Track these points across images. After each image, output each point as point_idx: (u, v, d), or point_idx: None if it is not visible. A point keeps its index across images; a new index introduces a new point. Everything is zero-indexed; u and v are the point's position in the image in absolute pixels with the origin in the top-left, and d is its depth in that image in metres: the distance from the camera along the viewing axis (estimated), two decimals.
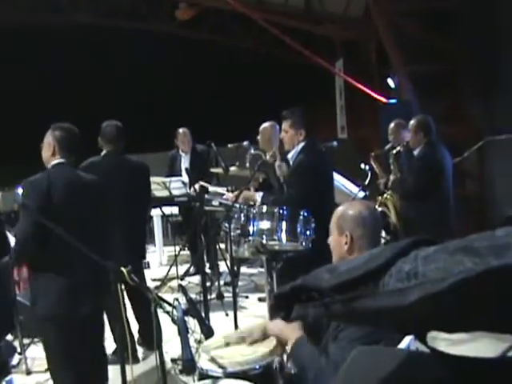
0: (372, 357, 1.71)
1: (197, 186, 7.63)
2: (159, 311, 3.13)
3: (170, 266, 8.53)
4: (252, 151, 6.80)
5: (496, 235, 1.16)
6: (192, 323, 3.29)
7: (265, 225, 4.73)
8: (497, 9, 7.76)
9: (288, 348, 3.00)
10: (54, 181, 4.14)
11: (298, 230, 4.72)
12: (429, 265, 1.19)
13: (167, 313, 3.06)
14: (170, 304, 3.11)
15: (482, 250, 1.14)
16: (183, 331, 2.96)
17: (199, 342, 3.91)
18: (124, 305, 5.13)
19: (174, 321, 3.01)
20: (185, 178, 8.12)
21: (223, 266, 8.05)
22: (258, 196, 5.29)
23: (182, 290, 3.54)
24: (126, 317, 5.03)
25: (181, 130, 8.76)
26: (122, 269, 3.34)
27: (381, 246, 3.12)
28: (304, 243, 4.72)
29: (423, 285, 1.19)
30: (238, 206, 5.19)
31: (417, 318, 1.31)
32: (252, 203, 5.32)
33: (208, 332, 3.28)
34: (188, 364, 2.90)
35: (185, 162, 8.74)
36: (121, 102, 12.84)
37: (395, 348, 2.47)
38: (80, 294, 4.16)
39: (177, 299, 3.10)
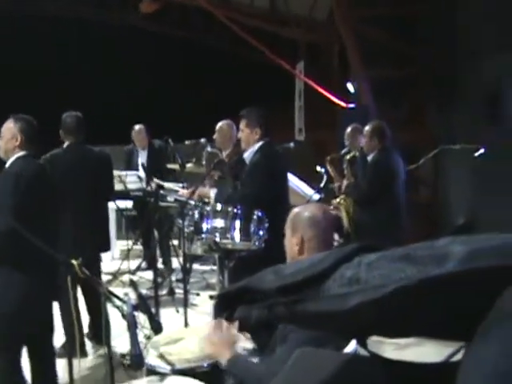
0: (314, 359, 1.75)
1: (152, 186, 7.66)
2: (109, 306, 3.14)
3: (122, 261, 8.52)
4: (209, 149, 6.82)
5: (436, 245, 1.21)
6: (142, 319, 3.31)
7: (218, 223, 4.76)
8: (458, 18, 7.90)
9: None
10: (24, 174, 4.11)
11: (252, 229, 4.75)
12: (371, 271, 1.23)
13: (117, 307, 3.07)
14: (120, 299, 3.12)
15: (423, 258, 1.18)
16: (132, 326, 2.97)
17: (148, 337, 3.92)
18: (76, 298, 5.16)
19: (123, 316, 3.02)
20: (141, 173, 8.12)
21: (176, 263, 8.06)
22: (213, 193, 5.31)
23: (133, 285, 3.57)
24: (77, 310, 5.06)
25: (136, 127, 8.76)
26: (73, 261, 3.35)
27: (331, 249, 3.17)
28: (257, 243, 4.76)
29: (364, 291, 1.23)
30: (192, 202, 5.22)
31: (357, 322, 1.35)
32: (206, 200, 5.34)
33: (157, 328, 3.30)
34: (136, 359, 2.90)
35: (141, 158, 8.72)
36: (80, 92, 12.70)
37: (339, 352, 2.51)
38: (37, 292, 4.14)
39: (127, 294, 3.11)
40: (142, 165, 7.93)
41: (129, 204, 8.97)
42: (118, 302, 3.10)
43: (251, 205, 4.85)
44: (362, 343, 1.57)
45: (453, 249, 1.16)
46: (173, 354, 3.35)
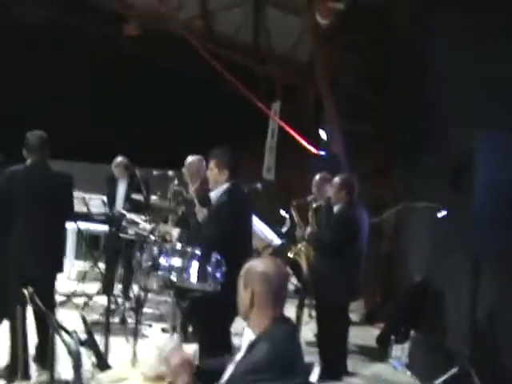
0: None
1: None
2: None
3: (78, 282, 8.46)
4: (175, 184, 6.81)
5: None
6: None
7: (176, 262, 4.78)
8: (430, 78, 8.06)
9: None
10: None
11: (209, 271, 4.78)
12: None
13: (64, 343, 3.06)
14: (68, 333, 3.11)
15: None
16: (77, 364, 2.96)
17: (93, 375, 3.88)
18: (24, 324, 5.11)
19: (69, 352, 3.01)
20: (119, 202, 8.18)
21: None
22: (175, 232, 5.31)
23: (83, 319, 3.54)
24: (24, 335, 5.01)
25: (116, 160, 8.73)
26: (25, 291, 3.34)
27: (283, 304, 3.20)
28: (212, 285, 4.78)
29: None
30: (152, 238, 5.23)
31: None
32: (168, 238, 5.35)
33: (103, 366, 3.30)
34: None
35: (121, 187, 8.73)
36: (49, 106, 12.63)
37: None
38: None
39: (75, 331, 3.10)
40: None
41: (90, 225, 8.93)
42: (65, 337, 3.09)
43: (211, 247, 4.88)
44: None
45: None
46: None
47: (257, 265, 3.17)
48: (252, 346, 3.04)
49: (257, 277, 3.11)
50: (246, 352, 3.09)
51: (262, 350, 2.94)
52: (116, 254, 8.40)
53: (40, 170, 5.68)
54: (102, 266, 8.90)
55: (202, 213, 5.52)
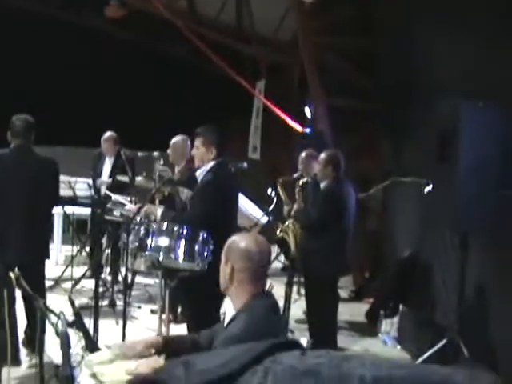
0: None
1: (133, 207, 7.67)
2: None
3: (66, 267, 8.42)
4: (160, 165, 6.77)
5: (345, 365, 1.23)
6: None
7: (163, 241, 4.75)
8: (414, 55, 8.04)
9: None
10: None
11: (196, 250, 4.75)
12: (278, 382, 1.25)
13: (52, 324, 3.04)
14: (55, 314, 3.08)
15: (330, 378, 1.20)
16: (65, 345, 2.93)
17: (83, 356, 3.86)
18: (11, 309, 5.08)
19: (57, 333, 2.99)
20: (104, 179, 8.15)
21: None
22: (159, 211, 5.27)
23: (70, 301, 3.51)
24: (11, 322, 4.98)
25: (105, 135, 8.68)
26: (11, 274, 3.31)
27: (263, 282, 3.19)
28: (200, 264, 4.76)
29: None
30: (138, 219, 5.19)
31: None
32: (153, 218, 5.31)
33: (92, 347, 3.28)
34: (66, 380, 2.88)
35: (107, 165, 8.70)
36: (46, 93, 12.54)
37: None
38: None
39: (62, 312, 3.07)
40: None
41: (76, 209, 8.88)
42: (53, 319, 3.07)
43: (197, 225, 4.85)
44: None
45: (361, 373, 1.18)
46: (105, 375, 3.30)
47: (239, 241, 3.17)
48: (231, 321, 3.03)
49: (238, 253, 3.11)
50: (226, 326, 3.09)
51: (239, 323, 2.94)
52: (102, 237, 8.39)
53: (24, 154, 5.61)
54: (89, 249, 8.89)
55: (186, 193, 5.49)
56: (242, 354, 1.32)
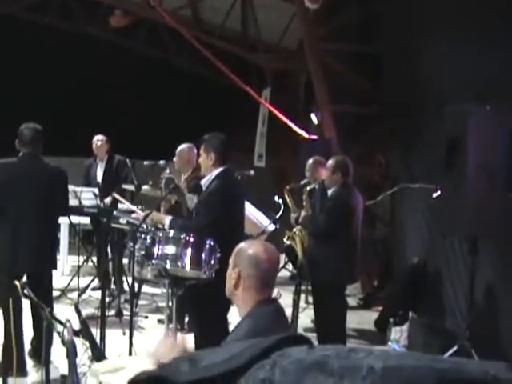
0: None
1: (108, 200, 7.62)
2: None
3: (72, 277, 8.41)
4: (167, 173, 6.77)
5: (353, 356, 1.21)
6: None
7: (170, 250, 4.74)
8: (421, 58, 8.03)
9: None
10: None
11: (203, 258, 4.74)
12: (285, 375, 1.23)
13: (58, 333, 3.03)
14: (61, 323, 3.07)
15: (339, 369, 1.19)
16: (71, 354, 2.93)
17: (90, 365, 3.84)
18: (17, 319, 5.08)
19: (63, 342, 2.97)
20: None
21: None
22: (167, 219, 5.26)
23: (76, 310, 3.50)
24: (17, 332, 4.97)
25: (95, 138, 8.71)
26: (16, 282, 3.30)
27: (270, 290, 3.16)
28: (207, 272, 4.75)
29: None
30: (145, 227, 5.18)
31: None
32: (160, 226, 5.30)
33: (99, 356, 3.27)
34: None
35: (99, 171, 8.71)
36: (42, 102, 12.56)
37: None
38: None
39: (69, 320, 3.06)
40: (97, 183, 7.91)
41: (83, 220, 8.88)
42: (59, 328, 3.06)
43: (204, 233, 4.83)
44: None
45: (369, 363, 1.16)
46: None
47: (248, 247, 3.15)
48: (236, 328, 3.01)
49: (246, 259, 3.10)
50: (231, 333, 3.08)
51: (243, 329, 2.92)
52: (108, 246, 8.40)
53: (32, 163, 5.62)
54: (95, 259, 8.88)
55: (192, 201, 5.48)
56: (249, 348, 1.31)
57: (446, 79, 7.08)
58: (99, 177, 8.64)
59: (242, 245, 3.19)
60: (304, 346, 1.69)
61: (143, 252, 4.87)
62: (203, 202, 5.12)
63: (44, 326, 3.07)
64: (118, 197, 6.98)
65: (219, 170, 5.17)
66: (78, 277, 8.17)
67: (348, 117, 9.24)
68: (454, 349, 5.54)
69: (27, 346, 5.69)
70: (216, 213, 4.95)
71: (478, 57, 6.34)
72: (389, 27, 9.14)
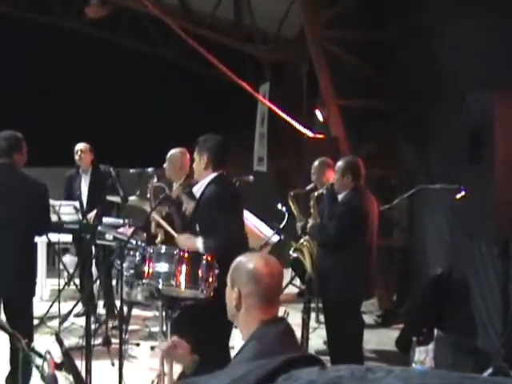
0: None
1: (91, 215, 7.59)
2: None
3: (52, 303, 8.36)
4: (155, 181, 6.70)
5: (370, 377, 1.18)
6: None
7: (162, 267, 4.70)
8: (433, 42, 8.01)
9: None
10: None
11: (199, 275, 4.70)
12: None
13: (37, 367, 2.98)
14: (41, 356, 3.02)
15: None
16: None
17: None
18: None
19: (42, 377, 2.93)
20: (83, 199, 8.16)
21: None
22: (200, 242, 5.10)
23: (57, 340, 3.45)
24: None
25: (77, 147, 8.67)
26: None
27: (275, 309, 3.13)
28: (205, 291, 4.71)
29: None
30: (134, 242, 5.14)
31: None
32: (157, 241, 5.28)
33: None
34: None
35: (83, 184, 8.69)
36: (18, 106, 12.59)
37: None
38: None
39: (49, 352, 3.01)
40: (79, 196, 7.92)
41: (62, 237, 8.82)
42: (38, 361, 3.01)
43: (223, 254, 4.71)
44: None
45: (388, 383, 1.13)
46: None
47: (246, 262, 3.10)
48: (239, 352, 2.96)
49: (245, 275, 3.04)
50: (233, 358, 3.03)
51: (247, 353, 2.86)
52: (92, 265, 8.36)
53: (9, 176, 5.57)
54: (78, 281, 8.84)
55: (192, 206, 5.44)
56: (253, 371, 1.27)
57: (468, 65, 7.04)
58: (84, 191, 8.61)
59: (239, 259, 3.14)
60: (315, 367, 1.65)
61: (132, 271, 4.84)
62: (207, 214, 5.04)
63: (20, 360, 3.02)
64: (158, 218, 6.43)
65: (213, 175, 5.13)
66: (59, 302, 8.12)
67: (356, 112, 9.21)
68: (489, 371, 5.47)
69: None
70: (225, 223, 4.91)
71: (504, 40, 6.31)
72: (400, 10, 9.10)
